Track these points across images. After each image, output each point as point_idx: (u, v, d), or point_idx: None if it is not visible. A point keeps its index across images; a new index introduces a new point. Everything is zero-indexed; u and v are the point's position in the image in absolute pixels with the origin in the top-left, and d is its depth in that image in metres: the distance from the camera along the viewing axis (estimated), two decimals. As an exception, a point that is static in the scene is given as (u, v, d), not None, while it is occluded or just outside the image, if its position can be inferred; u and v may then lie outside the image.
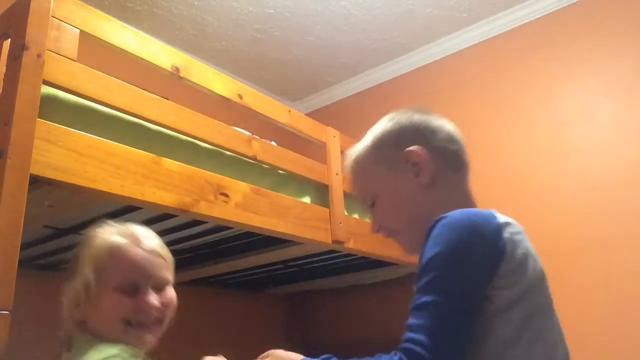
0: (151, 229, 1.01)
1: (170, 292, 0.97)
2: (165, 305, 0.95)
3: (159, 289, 0.95)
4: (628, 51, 2.30)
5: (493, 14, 2.71)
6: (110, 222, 0.98)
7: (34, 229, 1.47)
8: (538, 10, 2.62)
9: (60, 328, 0.95)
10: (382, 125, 0.97)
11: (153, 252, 0.95)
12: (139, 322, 0.91)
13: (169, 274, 0.98)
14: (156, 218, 1.43)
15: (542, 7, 2.60)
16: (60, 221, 1.48)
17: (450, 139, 0.94)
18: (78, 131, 1.07)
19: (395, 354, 0.70)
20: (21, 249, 0.93)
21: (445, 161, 0.91)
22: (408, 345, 0.69)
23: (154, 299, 0.92)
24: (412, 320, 0.72)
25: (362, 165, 0.96)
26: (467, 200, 0.90)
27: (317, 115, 3.31)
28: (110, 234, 0.95)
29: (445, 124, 0.97)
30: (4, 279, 0.88)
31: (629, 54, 2.29)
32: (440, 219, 0.78)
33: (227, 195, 1.35)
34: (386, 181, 0.92)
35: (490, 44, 2.77)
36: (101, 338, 0.88)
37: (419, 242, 0.82)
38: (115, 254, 0.92)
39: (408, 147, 0.90)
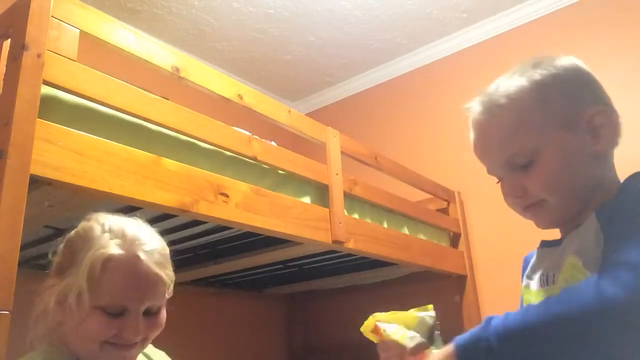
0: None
1: (161, 316, 0.89)
2: (151, 328, 0.87)
3: (151, 313, 0.87)
4: (627, 51, 2.30)
5: (493, 14, 2.71)
6: (116, 219, 0.90)
7: (34, 229, 1.47)
8: (538, 10, 2.62)
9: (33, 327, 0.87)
10: (540, 69, 0.77)
11: (152, 275, 0.85)
12: (117, 344, 0.84)
13: (164, 297, 0.89)
14: (156, 218, 1.43)
15: (542, 8, 2.60)
16: (61, 221, 1.48)
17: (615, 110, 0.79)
18: (78, 131, 1.07)
19: (601, 278, 0.61)
20: (21, 249, 0.93)
21: (618, 132, 0.78)
22: (616, 272, 0.60)
23: (141, 326, 0.84)
24: (621, 256, 0.62)
25: (524, 107, 0.75)
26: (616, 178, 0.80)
27: (317, 115, 3.32)
28: (112, 244, 0.85)
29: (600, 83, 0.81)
30: (4, 279, 0.88)
31: (629, 55, 2.29)
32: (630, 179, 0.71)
33: (227, 196, 1.35)
34: (554, 137, 0.73)
35: (491, 44, 2.77)
36: (73, 353, 0.84)
37: (563, 217, 0.76)
38: (109, 269, 0.83)
39: (587, 104, 0.75)
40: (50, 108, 1.04)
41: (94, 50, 1.23)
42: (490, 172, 0.83)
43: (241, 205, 1.39)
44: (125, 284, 0.83)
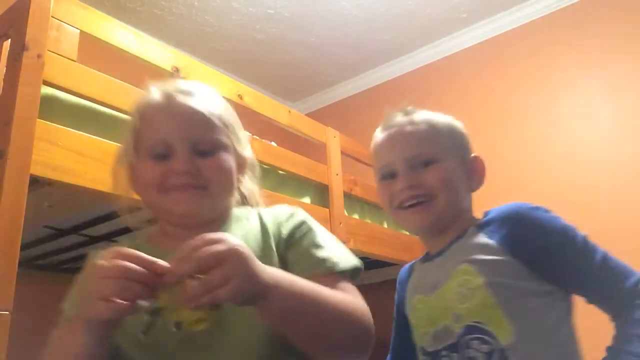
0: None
1: (220, 158, 0.79)
2: (208, 168, 0.77)
3: (204, 152, 0.78)
4: (627, 52, 2.30)
5: (493, 14, 2.71)
6: (165, 80, 0.86)
7: (34, 230, 1.47)
8: (538, 10, 2.62)
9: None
10: (454, 121, 1.02)
11: (188, 108, 0.78)
12: (166, 185, 0.77)
13: (218, 136, 0.79)
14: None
15: (541, 8, 2.60)
16: (60, 221, 1.48)
17: None
18: (78, 131, 1.07)
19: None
20: (21, 249, 0.93)
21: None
22: None
23: (183, 160, 0.76)
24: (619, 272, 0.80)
25: (435, 130, 0.97)
26: None
27: (317, 115, 3.31)
28: (149, 92, 0.82)
29: None
30: (4, 279, 0.88)
31: (628, 55, 2.29)
32: (528, 209, 0.87)
33: (227, 196, 1.35)
34: (452, 159, 0.94)
35: (490, 44, 2.77)
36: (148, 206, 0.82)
37: (439, 220, 0.90)
38: (146, 113, 0.79)
39: (470, 151, 0.98)
40: (50, 108, 1.04)
41: (94, 50, 1.22)
42: (387, 166, 0.96)
43: (241, 205, 1.39)
44: (160, 119, 0.78)
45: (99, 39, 1.19)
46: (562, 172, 2.31)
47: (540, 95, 2.51)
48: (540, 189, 2.33)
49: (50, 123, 1.02)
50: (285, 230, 0.80)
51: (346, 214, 1.79)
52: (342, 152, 1.87)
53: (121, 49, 1.23)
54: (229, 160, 0.80)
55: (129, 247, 0.62)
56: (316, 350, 0.70)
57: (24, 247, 1.26)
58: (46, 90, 1.04)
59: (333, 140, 1.85)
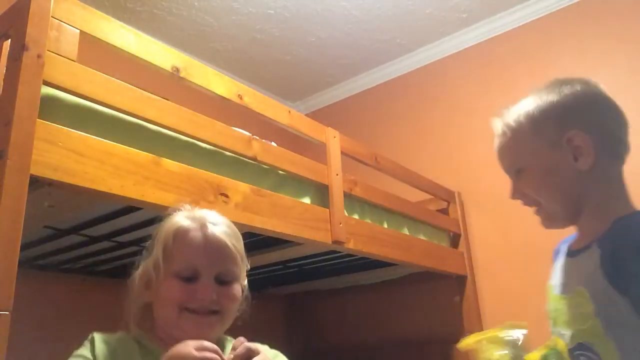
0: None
1: (235, 288, 0.93)
2: (224, 297, 0.90)
3: (223, 282, 0.91)
4: (627, 52, 2.30)
5: (493, 14, 2.71)
6: (188, 206, 0.98)
7: (34, 230, 1.47)
8: (538, 11, 2.62)
9: (125, 313, 0.93)
10: (545, 96, 0.94)
11: (218, 241, 0.91)
12: (192, 309, 0.88)
13: (235, 268, 0.93)
14: (156, 219, 1.43)
15: (541, 8, 2.60)
16: (61, 222, 1.48)
17: (617, 123, 0.93)
18: (78, 132, 1.07)
19: None
20: (21, 250, 0.92)
21: (608, 147, 0.90)
22: None
23: (210, 289, 0.88)
24: None
25: (518, 133, 0.94)
26: (622, 190, 0.91)
27: (317, 115, 3.32)
28: (182, 216, 0.94)
29: (611, 104, 0.94)
30: (4, 279, 0.88)
31: (628, 55, 2.29)
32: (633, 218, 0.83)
33: (227, 196, 1.35)
34: (541, 156, 0.91)
35: (490, 44, 2.78)
36: (160, 339, 0.90)
37: (560, 218, 0.91)
38: (179, 237, 0.91)
39: (571, 126, 0.89)
40: (50, 108, 1.04)
41: (94, 50, 1.22)
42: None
43: (241, 205, 1.39)
44: (194, 247, 0.90)
45: (99, 39, 1.18)
46: (562, 172, 2.31)
47: (540, 96, 2.51)
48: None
49: (50, 123, 1.02)
50: None
51: (346, 214, 1.79)
52: (342, 152, 1.86)
53: (121, 49, 1.23)
54: (239, 289, 0.94)
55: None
56: None
57: (24, 247, 1.26)
58: (46, 90, 1.04)
59: (333, 140, 1.85)
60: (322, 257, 2.12)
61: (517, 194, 0.95)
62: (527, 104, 0.95)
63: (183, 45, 2.79)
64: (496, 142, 0.99)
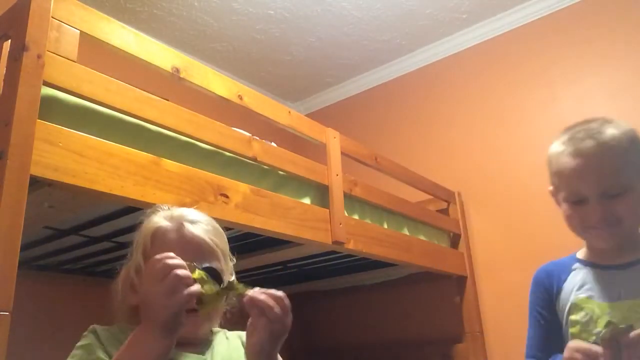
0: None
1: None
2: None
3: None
4: (627, 52, 2.30)
5: (493, 15, 2.71)
6: (166, 206, 0.96)
7: (34, 230, 1.47)
8: (538, 11, 2.62)
9: (116, 316, 0.92)
10: (622, 125, 0.98)
11: (196, 238, 0.90)
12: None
13: (217, 264, 0.91)
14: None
15: (542, 8, 2.61)
16: (60, 222, 1.48)
17: None
18: (78, 132, 1.07)
19: None
20: (21, 250, 0.92)
21: None
22: None
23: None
24: None
25: (627, 156, 0.95)
26: None
27: (317, 116, 3.32)
28: (160, 217, 0.92)
29: None
30: (4, 280, 0.88)
31: (629, 55, 2.29)
32: None
33: (227, 196, 1.35)
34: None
35: (491, 45, 2.78)
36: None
37: (622, 241, 0.96)
38: (158, 238, 0.89)
39: None
40: (50, 109, 1.04)
41: (94, 51, 1.22)
42: (578, 194, 0.98)
43: (241, 206, 1.39)
44: (172, 247, 0.85)
45: (99, 39, 1.18)
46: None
47: (541, 96, 2.51)
48: (541, 187, 2.33)
49: (50, 123, 1.02)
50: None
51: (346, 214, 1.79)
52: (342, 153, 1.86)
53: (121, 50, 1.23)
54: None
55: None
56: None
57: (24, 247, 1.26)
58: (46, 90, 1.04)
59: (333, 140, 1.85)
60: (322, 258, 2.12)
61: (612, 217, 0.94)
62: (612, 129, 0.97)
63: (183, 45, 2.79)
64: (591, 160, 0.96)
